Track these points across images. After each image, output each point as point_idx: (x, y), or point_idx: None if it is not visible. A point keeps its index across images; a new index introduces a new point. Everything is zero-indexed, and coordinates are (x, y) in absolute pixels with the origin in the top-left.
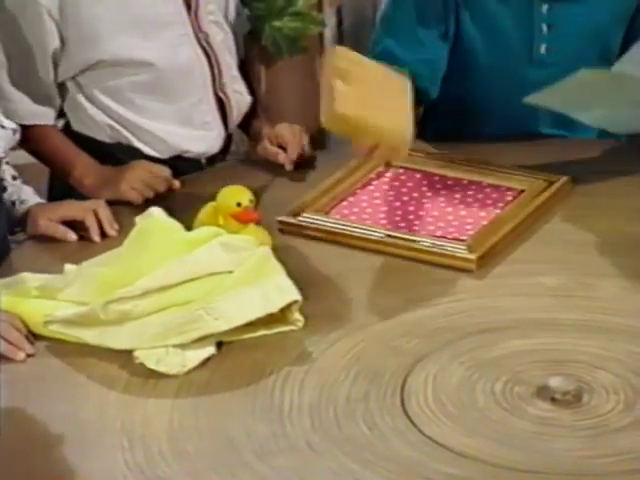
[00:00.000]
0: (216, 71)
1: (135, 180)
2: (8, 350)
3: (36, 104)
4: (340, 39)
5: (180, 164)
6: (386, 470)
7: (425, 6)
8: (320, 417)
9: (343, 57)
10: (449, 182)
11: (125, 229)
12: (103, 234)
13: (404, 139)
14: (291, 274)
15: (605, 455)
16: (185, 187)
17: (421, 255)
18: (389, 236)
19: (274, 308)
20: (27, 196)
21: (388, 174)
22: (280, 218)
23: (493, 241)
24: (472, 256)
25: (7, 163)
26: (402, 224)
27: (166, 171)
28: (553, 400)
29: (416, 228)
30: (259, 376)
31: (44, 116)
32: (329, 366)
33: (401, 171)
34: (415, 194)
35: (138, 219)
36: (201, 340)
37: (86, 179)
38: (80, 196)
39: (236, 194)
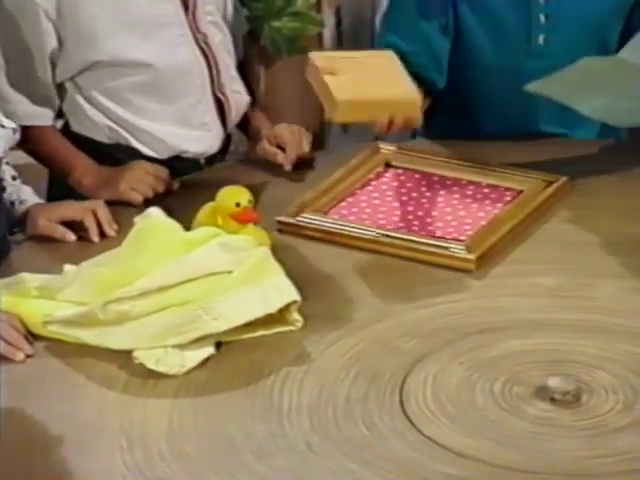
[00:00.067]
0: (214, 71)
1: (134, 180)
2: (7, 350)
3: (34, 105)
4: (339, 39)
5: (179, 164)
6: (385, 470)
7: (426, 0)
8: (319, 417)
9: (321, 58)
10: (448, 182)
11: (124, 229)
12: (102, 234)
13: (414, 101)
14: (290, 274)
15: (604, 455)
16: (184, 187)
17: (420, 255)
18: (388, 236)
19: (273, 308)
20: (26, 196)
21: (387, 174)
22: (279, 218)
23: (492, 241)
24: (471, 256)
25: (7, 163)
26: (401, 224)
27: (165, 171)
28: (552, 400)
29: (415, 228)
30: (258, 376)
31: (43, 117)
32: (328, 366)
33: (400, 171)
34: (414, 194)
35: (137, 219)
36: (200, 340)
37: (85, 179)
38: (79, 196)
39: (235, 194)
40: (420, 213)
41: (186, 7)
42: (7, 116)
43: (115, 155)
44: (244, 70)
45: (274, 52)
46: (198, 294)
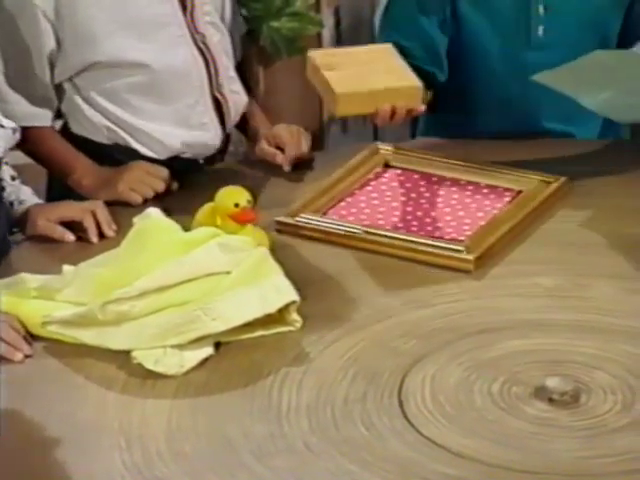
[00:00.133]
0: (213, 72)
1: (133, 181)
2: (6, 351)
3: (33, 106)
4: (338, 39)
5: (178, 165)
6: (384, 470)
7: None
8: (318, 418)
9: (320, 55)
10: (447, 183)
11: (123, 230)
12: (101, 235)
13: (414, 87)
14: (289, 274)
15: (603, 455)
16: (183, 188)
17: (419, 256)
18: (387, 237)
19: (272, 309)
20: (26, 196)
21: (386, 175)
22: (278, 219)
23: (491, 242)
24: (470, 257)
25: (6, 163)
26: (400, 225)
27: (164, 171)
28: (551, 400)
29: (414, 229)
30: (257, 377)
31: (41, 118)
32: (327, 367)
33: (399, 172)
34: (413, 195)
35: (136, 220)
36: (199, 341)
37: (84, 180)
38: (79, 197)
39: (234, 195)
40: (419, 213)
41: (184, 7)
42: (5, 117)
43: (114, 156)
44: (243, 70)
45: (273, 52)
46: (197, 294)
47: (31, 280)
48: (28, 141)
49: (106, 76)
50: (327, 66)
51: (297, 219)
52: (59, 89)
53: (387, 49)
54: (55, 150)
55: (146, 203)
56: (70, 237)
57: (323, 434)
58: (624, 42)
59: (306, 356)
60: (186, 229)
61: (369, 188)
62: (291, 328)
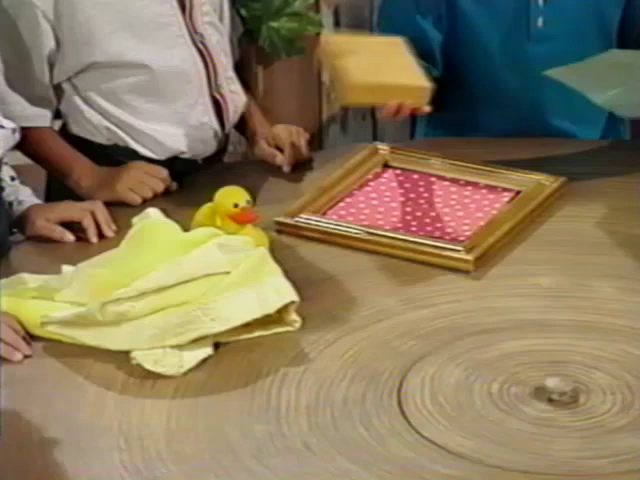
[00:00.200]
0: (212, 72)
1: (132, 181)
2: (5, 351)
3: (32, 106)
4: None
5: (177, 165)
6: (383, 471)
7: None
8: (317, 418)
9: (334, 41)
10: (446, 183)
11: (122, 230)
12: (100, 235)
13: (424, 89)
14: (288, 275)
15: (602, 456)
16: (182, 188)
17: (418, 256)
18: (386, 237)
19: (271, 309)
20: (25, 197)
21: (385, 175)
22: (277, 219)
23: (490, 242)
24: (469, 257)
25: (6, 163)
26: (399, 225)
27: (163, 172)
28: (550, 401)
29: (413, 229)
30: (256, 377)
31: (40, 118)
32: (326, 367)
33: (398, 172)
34: (412, 195)
35: (135, 220)
36: (198, 341)
37: (83, 181)
38: (78, 197)
39: (233, 195)
40: (418, 214)
41: (183, 8)
42: (5, 117)
43: (113, 156)
44: (242, 71)
45: (272, 53)
46: (196, 295)
47: (30, 280)
48: (27, 141)
49: (105, 76)
50: (341, 53)
51: (296, 219)
52: (58, 89)
53: (399, 43)
54: (54, 150)
55: (145, 203)
56: (69, 237)
57: (322, 434)
58: (624, 32)
59: (305, 356)
60: (185, 229)
61: (368, 188)
62: (290, 328)
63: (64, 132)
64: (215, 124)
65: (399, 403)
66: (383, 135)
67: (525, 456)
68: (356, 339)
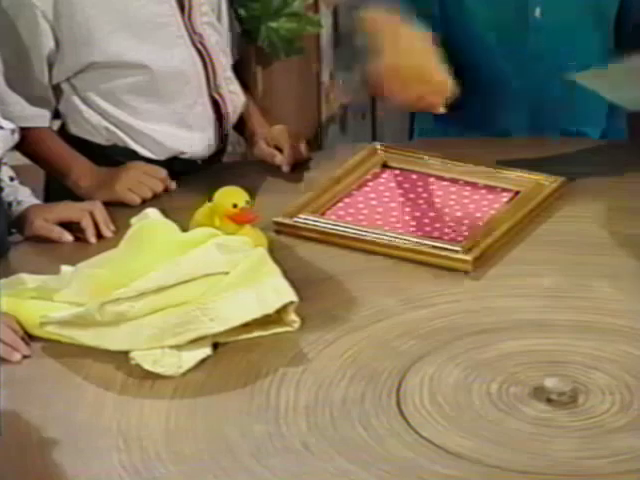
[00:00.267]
0: (210, 72)
1: (131, 181)
2: (4, 351)
3: (31, 106)
4: (336, 40)
5: (176, 165)
6: (382, 471)
7: None
8: (316, 418)
9: (382, 19)
10: (445, 183)
11: (121, 230)
12: (99, 235)
13: (447, 87)
14: (287, 275)
15: (601, 456)
16: (181, 188)
17: (417, 256)
18: (385, 237)
19: (270, 309)
20: (24, 197)
21: (384, 175)
22: (276, 219)
23: (489, 242)
24: (468, 257)
25: (5, 164)
26: (398, 225)
27: (162, 172)
28: (549, 401)
29: (412, 229)
30: (255, 377)
31: (39, 119)
32: (325, 367)
33: (397, 172)
34: (411, 195)
35: (134, 220)
36: (197, 341)
37: (82, 181)
38: (77, 197)
39: (232, 195)
40: (417, 214)
41: (182, 8)
42: (4, 118)
43: (112, 156)
44: (241, 71)
45: (271, 53)
46: (195, 295)
47: (29, 280)
48: (26, 142)
49: (104, 77)
50: (385, 30)
51: (295, 219)
52: (57, 90)
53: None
54: (53, 151)
55: (144, 204)
56: (68, 237)
57: (321, 434)
58: (621, 23)
59: (304, 356)
60: (184, 229)
61: (367, 189)
62: (289, 328)
63: (63, 132)
64: (214, 124)
65: (398, 403)
66: (382, 135)
67: (524, 456)
68: (355, 339)
